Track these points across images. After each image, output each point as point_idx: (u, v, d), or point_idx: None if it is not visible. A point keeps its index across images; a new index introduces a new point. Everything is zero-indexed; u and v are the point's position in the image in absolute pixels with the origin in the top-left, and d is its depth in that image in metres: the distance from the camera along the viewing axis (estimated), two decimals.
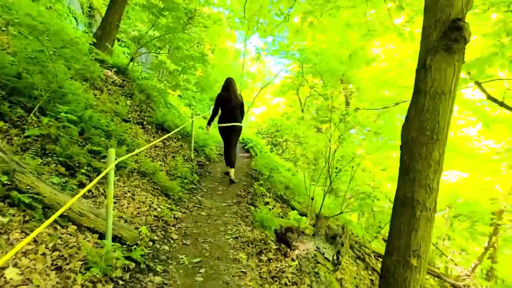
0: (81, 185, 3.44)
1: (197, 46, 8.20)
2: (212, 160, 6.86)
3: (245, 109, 6.07)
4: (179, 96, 14.27)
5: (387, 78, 9.56)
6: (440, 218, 13.14)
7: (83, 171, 3.47)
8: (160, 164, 5.05)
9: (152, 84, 7.40)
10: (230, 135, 5.69)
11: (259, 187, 5.23)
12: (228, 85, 5.65)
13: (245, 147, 8.89)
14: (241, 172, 6.28)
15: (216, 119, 5.84)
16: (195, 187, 5.02)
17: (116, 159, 2.79)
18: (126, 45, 12.60)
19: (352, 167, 4.94)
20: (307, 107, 17.42)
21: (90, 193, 3.51)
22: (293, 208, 5.52)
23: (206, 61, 7.36)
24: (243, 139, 9.14)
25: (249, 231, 3.80)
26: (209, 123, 5.97)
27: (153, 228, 3.45)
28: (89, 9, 12.23)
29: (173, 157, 5.57)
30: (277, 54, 14.24)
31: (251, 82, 31.41)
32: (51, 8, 9.23)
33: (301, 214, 5.49)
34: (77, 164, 3.66)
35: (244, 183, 5.66)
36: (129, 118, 5.85)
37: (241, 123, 5.73)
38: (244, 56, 28.98)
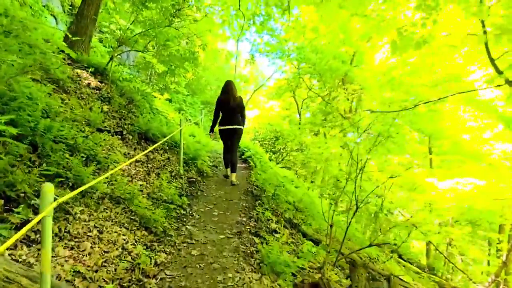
0: (24, 224, 2.46)
1: (187, 43, 7.25)
2: (205, 174, 5.88)
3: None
4: (169, 100, 13.28)
5: (395, 75, 8.70)
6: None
7: (18, 210, 2.49)
8: (141, 185, 4.07)
9: (135, 87, 6.43)
10: (230, 139, 5.60)
11: (265, 211, 4.29)
12: (228, 87, 5.61)
13: (243, 157, 7.94)
14: (240, 189, 5.33)
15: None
16: (185, 213, 4.05)
17: (56, 199, 1.80)
18: (110, 44, 11.56)
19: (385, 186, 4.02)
20: (306, 110, 16.55)
21: (38, 235, 2.53)
22: (304, 235, 4.59)
23: (196, 59, 6.40)
24: (239, 147, 8.20)
25: (256, 279, 2.85)
26: (211, 130, 5.90)
27: (125, 284, 2.48)
28: (71, 8, 11.19)
29: (158, 174, 4.59)
30: (274, 51, 13.34)
31: (243, 84, 30.57)
32: (25, 4, 8.27)
33: (314, 242, 4.56)
34: (22, 195, 2.69)
35: (244, 204, 4.70)
36: (105, 126, 4.86)
37: (241, 125, 5.62)
38: (237, 58, 28.10)
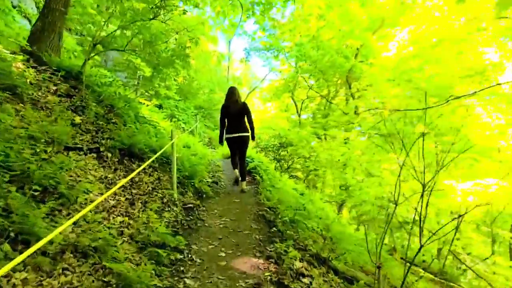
0: None
1: (176, 39, 6.23)
2: (205, 195, 4.85)
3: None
4: (159, 106, 12.19)
5: (414, 66, 7.76)
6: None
7: None
8: (121, 223, 3.02)
9: (117, 92, 5.39)
10: (238, 147, 5.48)
11: (288, 249, 3.27)
12: (230, 94, 5.47)
13: (246, 168, 6.92)
14: (249, 213, 4.32)
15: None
16: (182, 257, 3.02)
17: None
18: (88, 44, 10.47)
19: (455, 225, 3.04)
20: (305, 110, 15.59)
21: None
22: (335, 272, 3.59)
23: (187, 56, 5.40)
24: None
25: None
26: (220, 140, 5.67)
27: None
28: None
29: (145, 203, 3.54)
30: (271, 48, 12.40)
31: (237, 87, 29.59)
32: None
33: (349, 280, 3.57)
34: None
35: (257, 235, 3.68)
36: (75, 143, 3.82)
37: (248, 132, 5.42)
38: (229, 59, 27.17)
